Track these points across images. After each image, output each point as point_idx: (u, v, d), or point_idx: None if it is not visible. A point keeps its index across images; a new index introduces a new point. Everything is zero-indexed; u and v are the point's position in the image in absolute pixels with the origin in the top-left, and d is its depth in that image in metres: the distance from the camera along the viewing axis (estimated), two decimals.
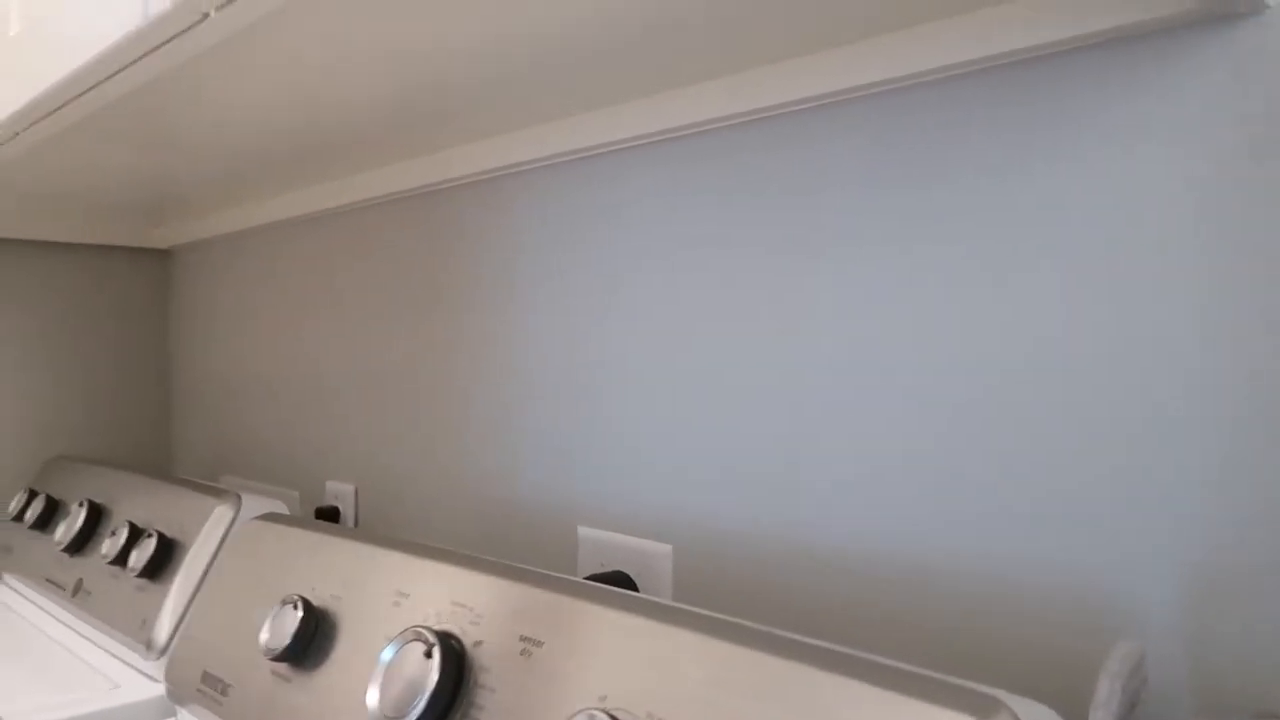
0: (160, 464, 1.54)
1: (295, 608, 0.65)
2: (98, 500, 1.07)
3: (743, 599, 0.67)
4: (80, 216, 1.37)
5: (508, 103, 0.73)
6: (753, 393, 0.67)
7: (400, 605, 0.60)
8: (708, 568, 0.70)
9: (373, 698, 0.54)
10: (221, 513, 0.88)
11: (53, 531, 1.13)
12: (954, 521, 0.56)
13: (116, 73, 0.61)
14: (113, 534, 0.96)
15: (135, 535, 0.94)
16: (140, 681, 0.83)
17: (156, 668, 0.83)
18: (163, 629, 0.84)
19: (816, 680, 0.38)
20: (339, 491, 1.11)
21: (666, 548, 0.72)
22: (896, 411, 0.59)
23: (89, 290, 1.48)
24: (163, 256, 1.53)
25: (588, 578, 0.75)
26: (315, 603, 0.66)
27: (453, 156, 0.90)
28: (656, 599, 0.50)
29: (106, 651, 0.91)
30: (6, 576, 1.19)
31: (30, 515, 1.18)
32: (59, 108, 0.70)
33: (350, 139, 0.85)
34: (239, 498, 0.89)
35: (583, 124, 0.76)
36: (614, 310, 0.77)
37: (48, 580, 1.07)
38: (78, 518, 1.05)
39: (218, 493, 0.91)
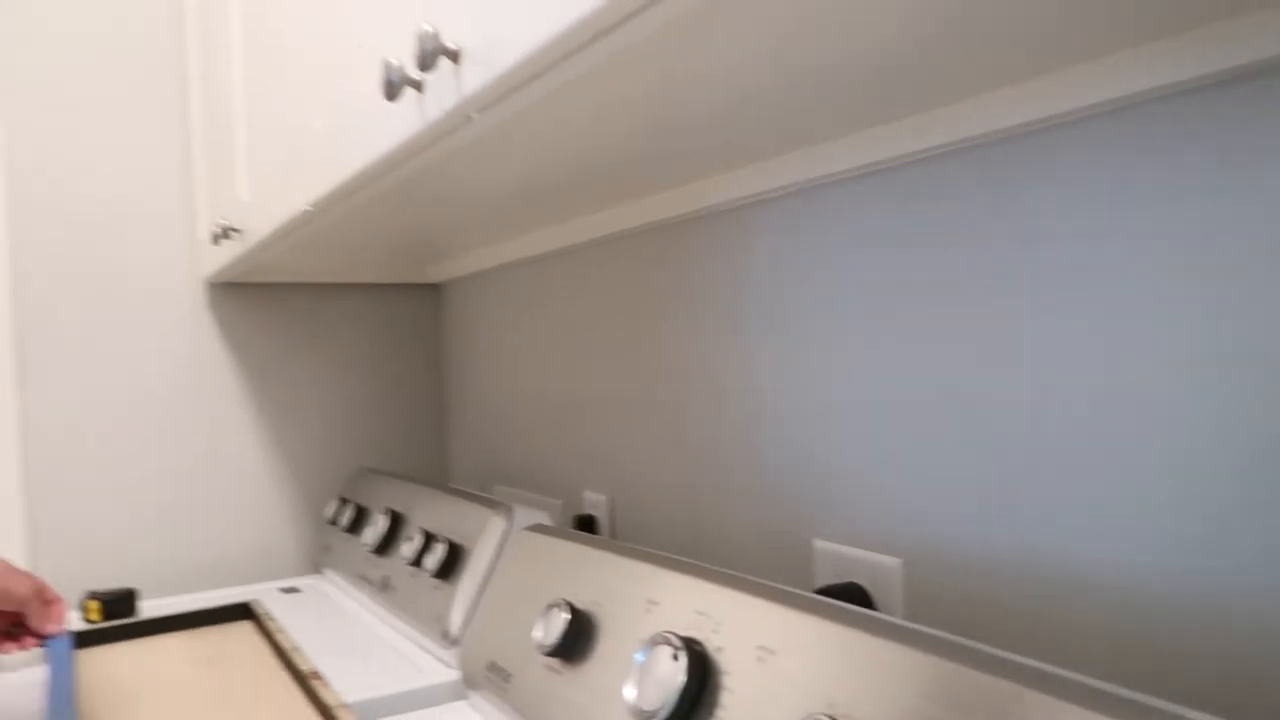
0: (440, 473, 1.74)
1: (563, 611, 0.75)
2: (397, 509, 1.25)
3: (971, 613, 0.70)
4: (367, 262, 1.58)
5: (753, 137, 0.77)
6: (985, 413, 0.69)
7: (651, 612, 0.67)
8: (938, 581, 0.72)
9: (630, 693, 0.61)
10: (497, 523, 1.00)
11: (361, 534, 1.33)
12: (1217, 550, 0.56)
13: (402, 163, 0.74)
14: (410, 539, 1.12)
15: (429, 541, 1.09)
16: (438, 667, 0.97)
17: (451, 656, 0.96)
18: (455, 623, 0.97)
19: (1036, 703, 0.41)
20: (595, 501, 1.22)
21: (897, 561, 0.76)
22: (1136, 434, 0.59)
23: (376, 323, 1.70)
24: (435, 290, 1.73)
25: (822, 589, 0.79)
26: (579, 606, 0.75)
27: (696, 190, 0.96)
28: (881, 615, 0.54)
29: (409, 639, 1.07)
30: (328, 571, 1.41)
31: (343, 520, 1.39)
32: (356, 191, 0.84)
33: (602, 180, 0.93)
34: (511, 509, 1.01)
35: (818, 153, 0.80)
36: (849, 332, 0.81)
37: (360, 576, 1.26)
38: (382, 524, 1.23)
39: (493, 504, 1.04)
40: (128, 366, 1.52)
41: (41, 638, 0.90)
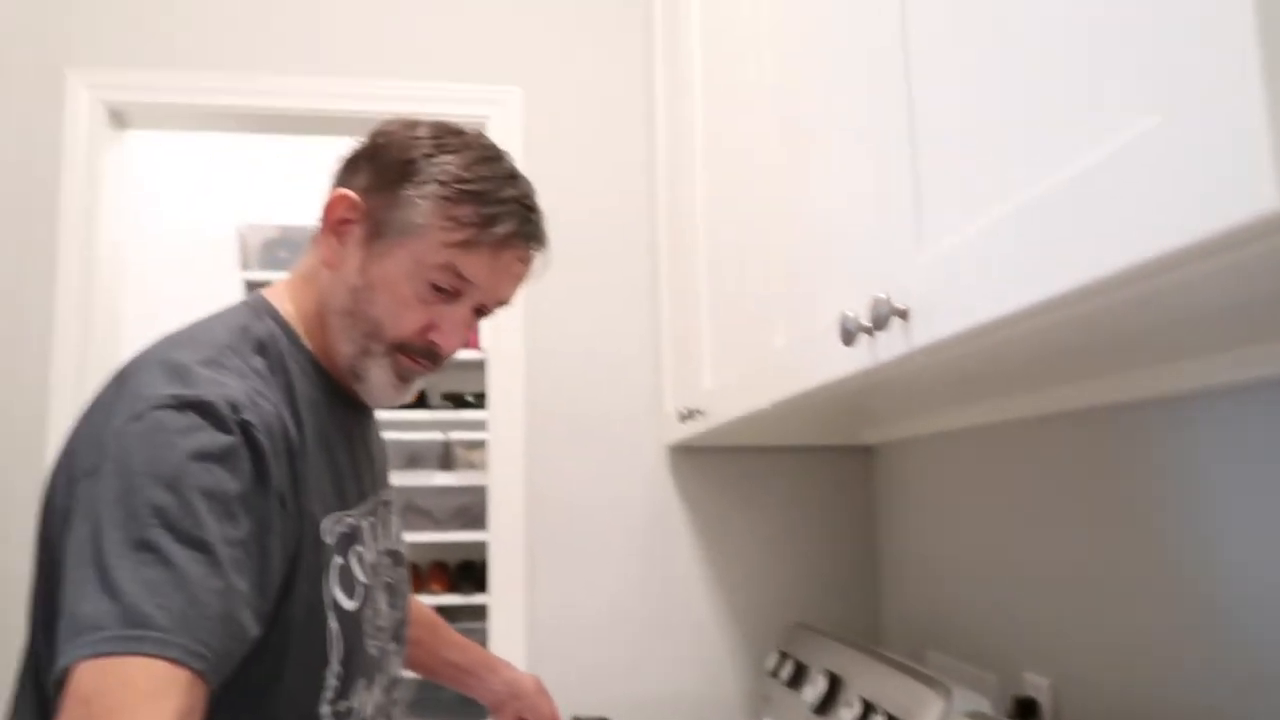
0: (872, 630, 1.78)
1: None
2: (835, 671, 1.32)
3: None
4: (807, 427, 1.71)
5: (1207, 329, 0.74)
6: None
7: None
8: None
9: None
10: (936, 704, 1.03)
11: (801, 691, 1.41)
12: None
13: (855, 383, 0.84)
14: (849, 705, 1.18)
15: (868, 711, 1.15)
16: None
17: None
18: None
19: None
20: (1037, 684, 1.19)
21: None
22: None
23: (812, 481, 1.83)
24: (868, 451, 1.82)
25: None
26: None
27: (1140, 377, 0.95)
28: None
29: None
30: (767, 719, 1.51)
31: (784, 674, 1.49)
32: (813, 395, 0.96)
33: (1040, 367, 0.96)
34: (950, 690, 1.04)
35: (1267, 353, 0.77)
36: None
37: None
38: (821, 685, 1.31)
39: (933, 683, 1.07)
40: (602, 514, 1.79)
41: None
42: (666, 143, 1.78)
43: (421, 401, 3.36)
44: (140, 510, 0.63)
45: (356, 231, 0.82)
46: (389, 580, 0.90)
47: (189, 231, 2.73)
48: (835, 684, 1.30)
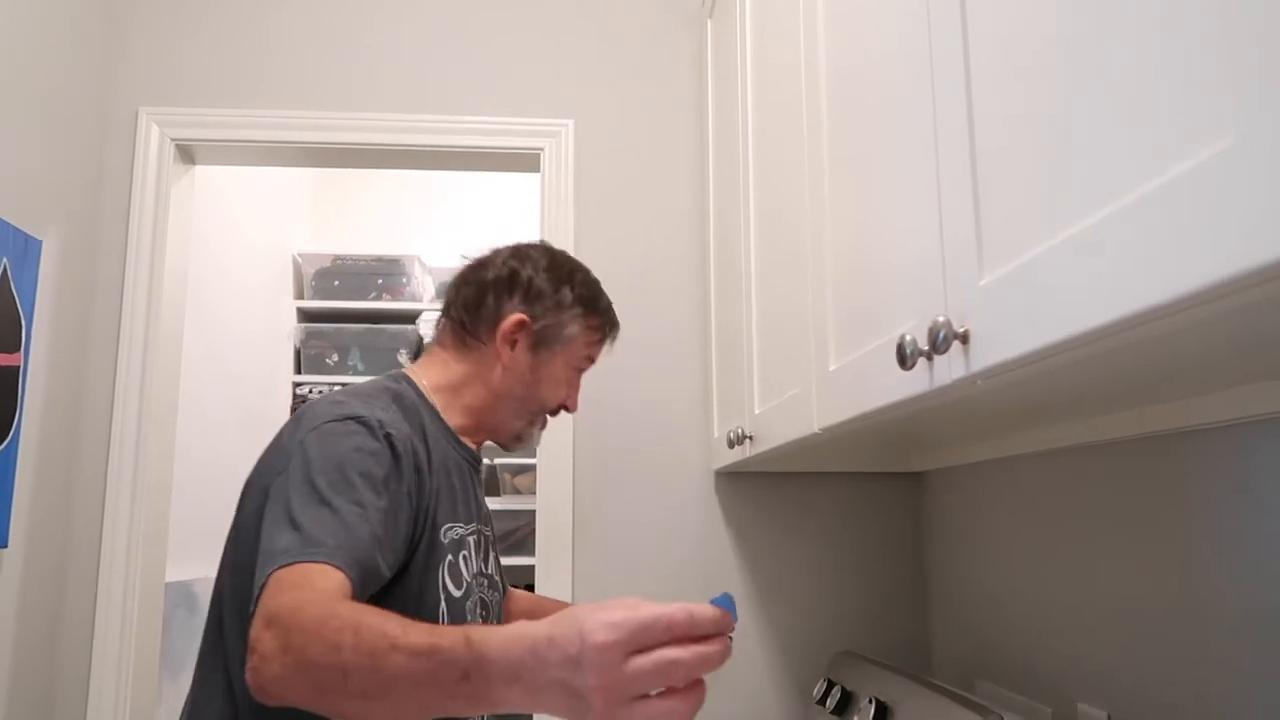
0: (920, 658, 1.77)
1: None
2: (882, 699, 1.31)
3: None
4: (855, 453, 1.72)
5: (1267, 354, 0.73)
6: None
7: None
8: None
9: None
10: None
11: (847, 718, 1.41)
12: None
13: (909, 408, 0.86)
14: None
15: None
16: None
17: None
18: None
19: None
20: (1093, 716, 1.18)
21: None
22: None
23: (859, 508, 1.83)
24: (917, 478, 1.81)
25: None
26: None
27: (1195, 404, 0.95)
28: None
29: None
30: None
31: (830, 702, 1.48)
32: (870, 419, 0.97)
33: (1098, 390, 0.96)
34: (1001, 719, 1.03)
35: None
36: None
37: None
38: (868, 713, 1.30)
39: (984, 711, 1.07)
40: (649, 538, 1.80)
41: None
42: (717, 166, 1.81)
43: None
44: (318, 482, 0.88)
45: (524, 341, 1.14)
46: (483, 597, 1.11)
47: (245, 259, 2.81)
48: (883, 712, 1.30)
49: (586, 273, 1.21)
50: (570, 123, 1.94)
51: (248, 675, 0.75)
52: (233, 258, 2.68)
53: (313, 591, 0.78)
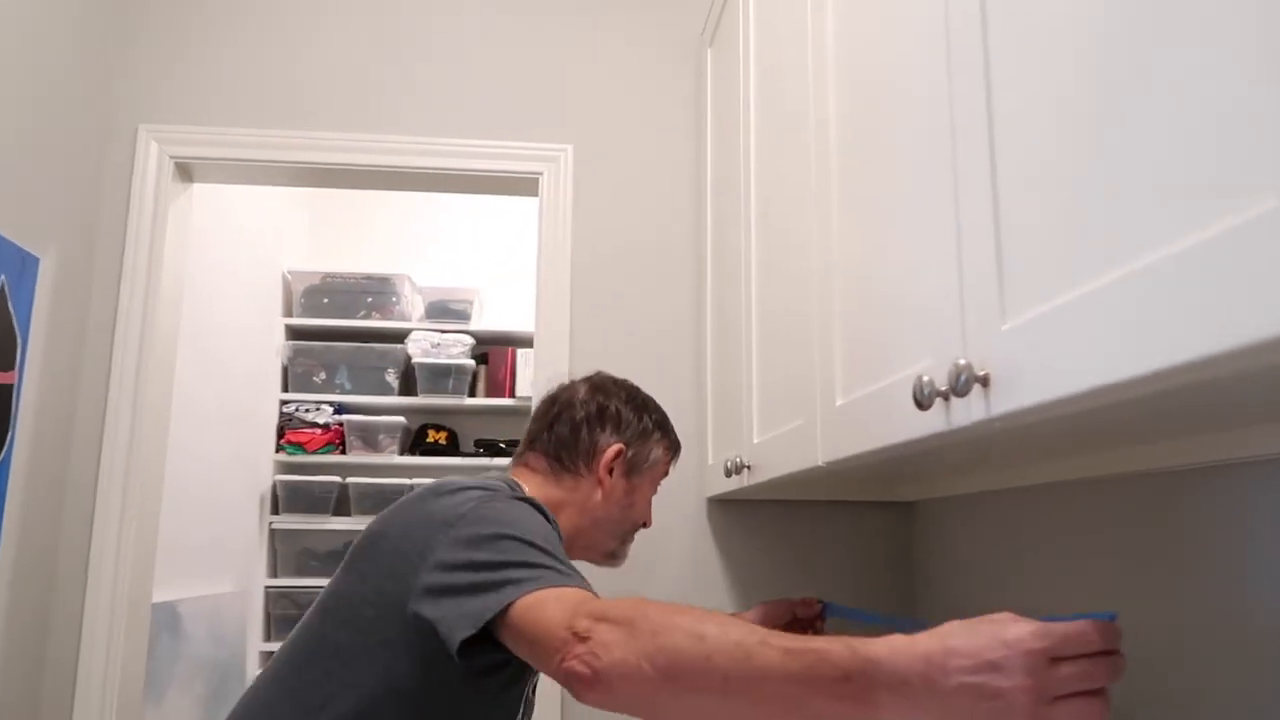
0: None
1: None
2: None
3: None
4: (847, 484, 1.73)
5: (1272, 401, 0.75)
6: None
7: None
8: None
9: None
10: None
11: None
12: None
13: (924, 444, 0.87)
14: None
15: None
16: None
17: None
18: None
19: None
20: None
21: None
22: None
23: (849, 536, 1.84)
24: (908, 508, 1.83)
25: None
26: None
27: (1190, 444, 0.97)
28: None
29: None
30: None
31: None
32: (880, 454, 0.98)
33: (1107, 431, 0.97)
34: None
35: None
36: None
37: None
38: None
39: None
40: (639, 563, 1.80)
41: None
42: (716, 192, 1.83)
43: (453, 447, 3.39)
44: (528, 538, 0.93)
45: (619, 468, 1.25)
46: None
47: (237, 276, 2.80)
48: None
49: (652, 399, 1.35)
50: (569, 148, 1.96)
51: (571, 664, 0.75)
52: (225, 274, 2.67)
53: (619, 599, 0.81)
